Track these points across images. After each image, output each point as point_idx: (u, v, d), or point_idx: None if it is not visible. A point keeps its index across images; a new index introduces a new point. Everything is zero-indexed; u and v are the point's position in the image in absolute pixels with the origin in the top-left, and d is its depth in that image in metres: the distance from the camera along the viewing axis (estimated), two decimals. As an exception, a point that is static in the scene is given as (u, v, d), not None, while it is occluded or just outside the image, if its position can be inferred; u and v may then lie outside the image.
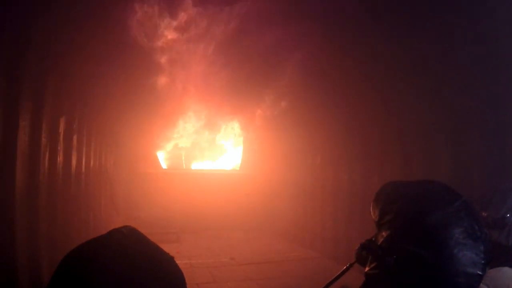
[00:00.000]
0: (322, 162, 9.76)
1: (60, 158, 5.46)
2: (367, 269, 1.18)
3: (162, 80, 7.30)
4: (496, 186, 4.08)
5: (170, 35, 6.09)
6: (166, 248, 1.07)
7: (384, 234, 1.15)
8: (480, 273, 1.05)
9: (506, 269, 1.69)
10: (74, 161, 6.23)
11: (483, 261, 1.05)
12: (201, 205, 11.99)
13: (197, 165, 13.10)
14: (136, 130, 8.90)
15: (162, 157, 12.55)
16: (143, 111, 8.01)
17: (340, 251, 7.69)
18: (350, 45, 5.72)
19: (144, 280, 0.92)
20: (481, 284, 1.07)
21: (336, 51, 6.10)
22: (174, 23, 6.08)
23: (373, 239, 1.20)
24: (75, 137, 6.25)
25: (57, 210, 5.28)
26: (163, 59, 6.20)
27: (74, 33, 4.77)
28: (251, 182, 12.61)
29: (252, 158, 12.67)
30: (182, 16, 6.10)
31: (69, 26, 4.66)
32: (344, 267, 1.48)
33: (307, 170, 10.54)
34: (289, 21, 5.64)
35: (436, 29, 4.94)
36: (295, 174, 11.24)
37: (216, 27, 6.38)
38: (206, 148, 12.59)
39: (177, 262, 1.06)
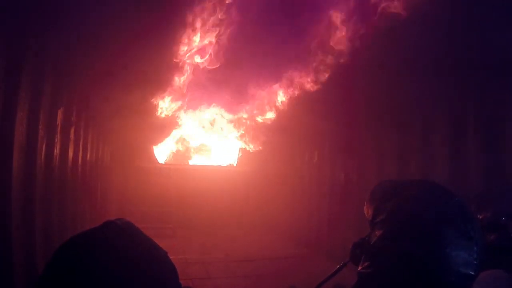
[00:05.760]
0: (319, 160, 9.78)
1: (57, 150, 5.45)
2: (360, 268, 1.19)
3: (161, 75, 7.26)
4: (492, 188, 4.09)
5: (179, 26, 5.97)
6: (161, 243, 1.07)
7: (377, 233, 1.15)
8: (472, 273, 1.05)
9: (500, 272, 1.70)
10: (71, 153, 6.23)
11: (475, 262, 1.05)
12: (197, 200, 12.00)
13: (194, 160, 13.08)
14: (134, 123, 8.87)
15: (159, 152, 12.52)
16: (142, 105, 7.99)
17: (335, 250, 7.71)
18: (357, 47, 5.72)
19: (137, 274, 0.92)
20: (474, 285, 1.07)
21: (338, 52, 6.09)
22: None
23: (367, 238, 1.21)
24: (72, 130, 6.24)
25: (53, 201, 5.28)
26: (165, 52, 6.14)
27: (75, 25, 4.74)
28: (248, 178, 12.61)
29: (249, 155, 12.67)
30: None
31: (70, 18, 4.63)
32: (338, 266, 1.48)
33: (304, 168, 10.57)
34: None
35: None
36: (292, 171, 11.26)
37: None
38: (204, 144, 12.56)
39: (172, 257, 1.07)
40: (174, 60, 6.53)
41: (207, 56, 6.65)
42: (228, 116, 9.48)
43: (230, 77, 7.27)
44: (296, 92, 7.43)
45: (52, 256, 0.94)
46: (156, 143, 12.01)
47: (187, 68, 7.29)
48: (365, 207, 1.30)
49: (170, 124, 9.79)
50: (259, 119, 8.79)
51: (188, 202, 11.92)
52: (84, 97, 6.66)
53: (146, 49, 5.58)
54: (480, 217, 2.13)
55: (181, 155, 12.61)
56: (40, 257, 4.51)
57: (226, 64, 6.70)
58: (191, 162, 12.93)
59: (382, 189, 1.28)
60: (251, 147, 10.54)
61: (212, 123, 10.18)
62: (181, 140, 11.91)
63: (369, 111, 7.16)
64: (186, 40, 6.37)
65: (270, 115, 8.51)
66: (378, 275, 1.11)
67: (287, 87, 7.54)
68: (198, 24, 6.19)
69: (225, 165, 13.13)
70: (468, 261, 1.04)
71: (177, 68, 7.07)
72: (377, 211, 1.21)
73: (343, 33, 5.64)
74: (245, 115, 9.04)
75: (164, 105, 8.49)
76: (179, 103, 8.81)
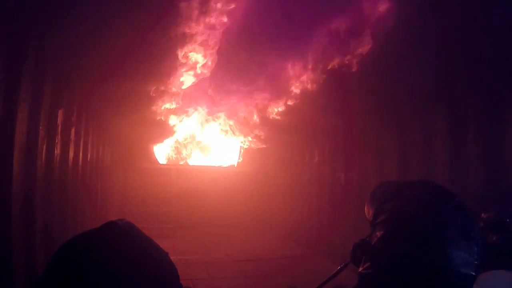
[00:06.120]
0: (320, 160, 9.78)
1: (57, 151, 5.45)
2: (361, 269, 1.18)
3: (162, 74, 7.26)
4: (493, 188, 4.08)
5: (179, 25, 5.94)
6: (162, 243, 1.07)
7: (378, 234, 1.15)
8: (473, 273, 1.05)
9: (501, 272, 1.69)
10: (71, 154, 6.23)
11: (476, 262, 1.05)
12: (197, 201, 11.99)
13: (194, 161, 13.08)
14: (134, 124, 8.88)
15: (159, 152, 12.53)
16: (142, 105, 8.00)
17: (336, 250, 7.71)
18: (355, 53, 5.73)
19: (138, 275, 0.92)
20: (475, 285, 1.07)
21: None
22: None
23: (367, 238, 1.20)
24: (73, 130, 6.24)
25: (53, 201, 5.28)
26: (164, 52, 6.13)
27: (75, 25, 4.74)
28: (248, 178, 12.61)
29: (250, 155, 12.68)
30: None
31: (70, 18, 4.63)
32: (339, 267, 1.48)
33: (305, 168, 10.57)
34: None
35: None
36: (293, 172, 11.26)
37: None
38: (205, 144, 12.56)
39: (172, 257, 1.06)
40: (175, 59, 6.54)
41: (210, 41, 6.63)
42: (230, 115, 9.49)
43: (230, 76, 7.29)
44: (297, 92, 7.44)
45: (52, 256, 0.94)
46: (156, 143, 12.02)
47: (188, 66, 7.30)
48: (365, 207, 1.30)
49: (170, 124, 9.81)
50: (260, 117, 8.80)
51: (188, 202, 11.92)
52: (84, 98, 6.65)
53: (147, 49, 5.59)
54: (484, 216, 2.13)
55: (182, 156, 12.62)
56: (40, 257, 4.51)
57: (226, 64, 6.72)
58: (191, 163, 12.93)
59: (382, 189, 1.28)
60: (251, 143, 10.54)
61: (213, 122, 10.19)
62: (182, 140, 11.92)
63: (370, 111, 7.16)
64: (187, 40, 6.37)
65: (272, 114, 8.53)
66: (379, 276, 1.11)
67: (288, 87, 7.55)
68: (199, 22, 6.18)
69: (226, 165, 13.13)
70: (469, 262, 1.04)
71: (178, 68, 7.08)
72: (377, 211, 1.20)
73: (345, 34, 5.65)
74: (246, 114, 9.05)
75: (165, 105, 8.50)
76: (179, 103, 8.82)
